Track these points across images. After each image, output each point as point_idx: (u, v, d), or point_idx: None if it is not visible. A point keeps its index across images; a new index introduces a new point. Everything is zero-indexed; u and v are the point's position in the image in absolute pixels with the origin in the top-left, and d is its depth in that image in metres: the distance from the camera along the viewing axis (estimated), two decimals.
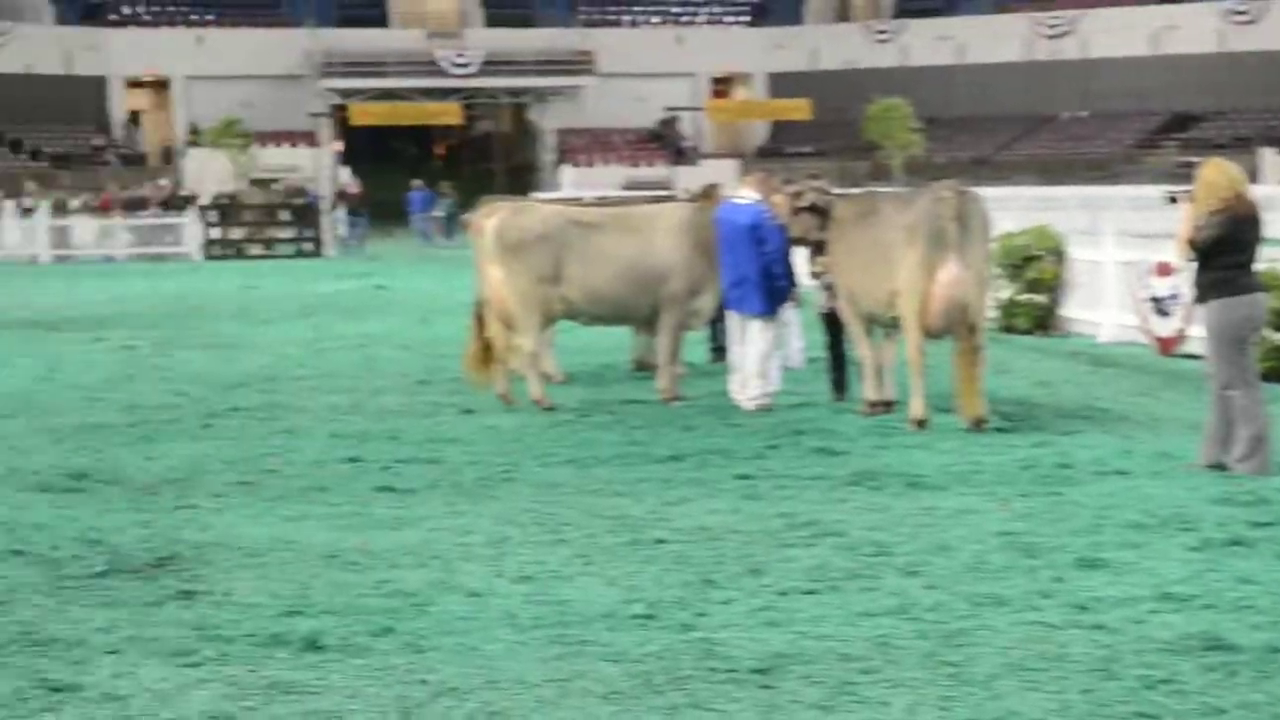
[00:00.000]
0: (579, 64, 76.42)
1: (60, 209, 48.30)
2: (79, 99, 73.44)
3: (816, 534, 9.81)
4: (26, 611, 8.36)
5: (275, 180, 59.30)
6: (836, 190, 15.86)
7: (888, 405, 14.27)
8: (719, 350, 17.44)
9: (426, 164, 77.31)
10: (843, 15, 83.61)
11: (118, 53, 74.31)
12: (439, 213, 52.83)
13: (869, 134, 68.19)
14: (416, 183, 54.75)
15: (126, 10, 76.81)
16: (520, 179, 71.77)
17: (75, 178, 64.01)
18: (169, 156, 73.78)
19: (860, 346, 14.50)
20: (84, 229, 47.88)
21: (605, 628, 7.98)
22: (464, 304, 18.48)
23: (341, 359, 20.02)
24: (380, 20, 79.50)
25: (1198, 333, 14.83)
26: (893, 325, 14.06)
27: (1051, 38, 75.71)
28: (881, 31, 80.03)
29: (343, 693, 7.05)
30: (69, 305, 29.64)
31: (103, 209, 49.20)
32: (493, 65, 75.87)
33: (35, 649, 7.68)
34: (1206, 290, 11.34)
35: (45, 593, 8.75)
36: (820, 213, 14.74)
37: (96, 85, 74.50)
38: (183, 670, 7.36)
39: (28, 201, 48.25)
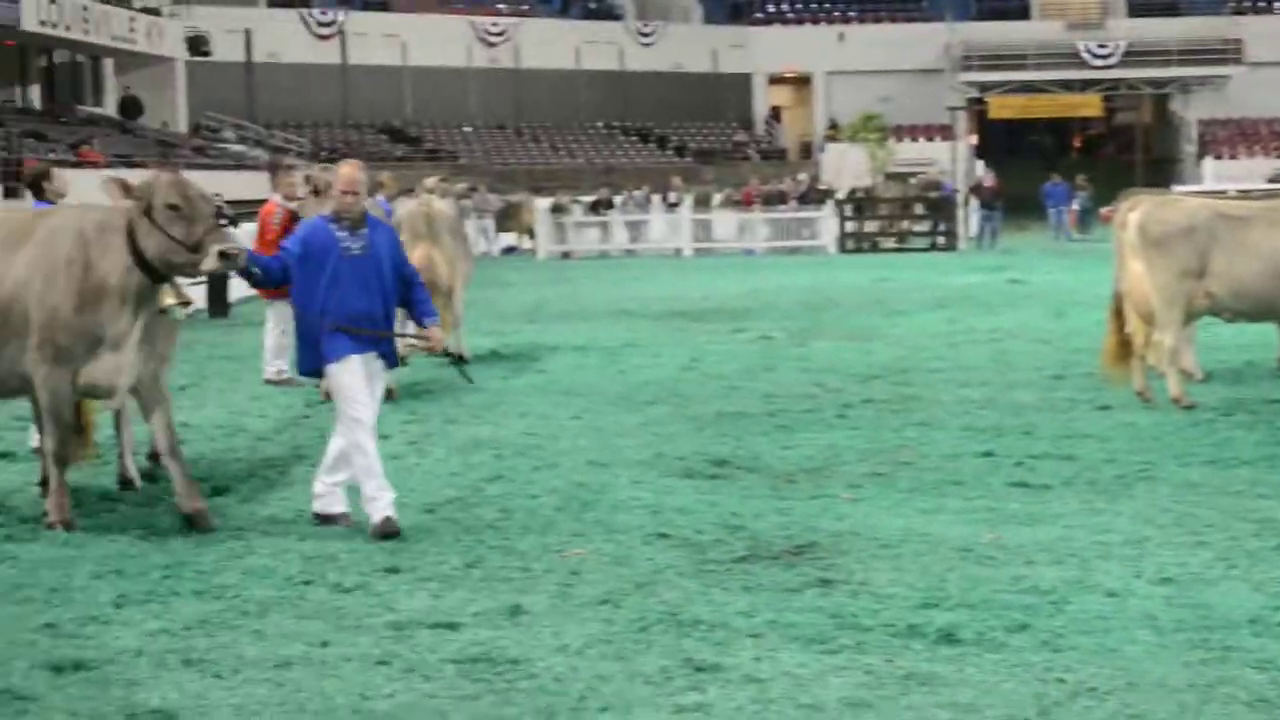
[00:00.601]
0: (1226, 52, 73.69)
1: (703, 203, 49.79)
2: (723, 96, 75.71)
3: None
4: (671, 593, 8.68)
5: (911, 174, 59.51)
6: None
7: None
8: None
9: (1063, 157, 76.13)
10: None
11: (762, 50, 76.14)
12: (1075, 205, 51.97)
13: None
14: (1054, 176, 54.02)
15: (771, 9, 78.57)
16: (1159, 171, 69.82)
17: (717, 173, 66.01)
18: (808, 151, 75.15)
19: None
20: (725, 223, 49.24)
21: (1251, 634, 7.71)
22: (1100, 298, 18.14)
23: (975, 352, 19.94)
24: (1021, 12, 78.74)
25: None
26: None
27: None
28: None
29: (979, 687, 7.03)
30: (710, 297, 30.52)
31: (744, 203, 50.48)
32: (1135, 55, 73.99)
33: (680, 629, 7.96)
34: None
35: (689, 575, 9.06)
36: None
37: (741, 82, 76.58)
38: (820, 657, 7.48)
39: (673, 196, 49.98)
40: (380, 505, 10.12)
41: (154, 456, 12.71)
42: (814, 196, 50.01)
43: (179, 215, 10.10)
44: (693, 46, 75.30)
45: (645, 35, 74.73)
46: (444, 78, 70.22)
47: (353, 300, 10.17)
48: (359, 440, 10.16)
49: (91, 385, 10.51)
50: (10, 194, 37.65)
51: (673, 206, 49.33)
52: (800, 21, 78.36)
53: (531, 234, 48.51)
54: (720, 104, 75.54)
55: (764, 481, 11.89)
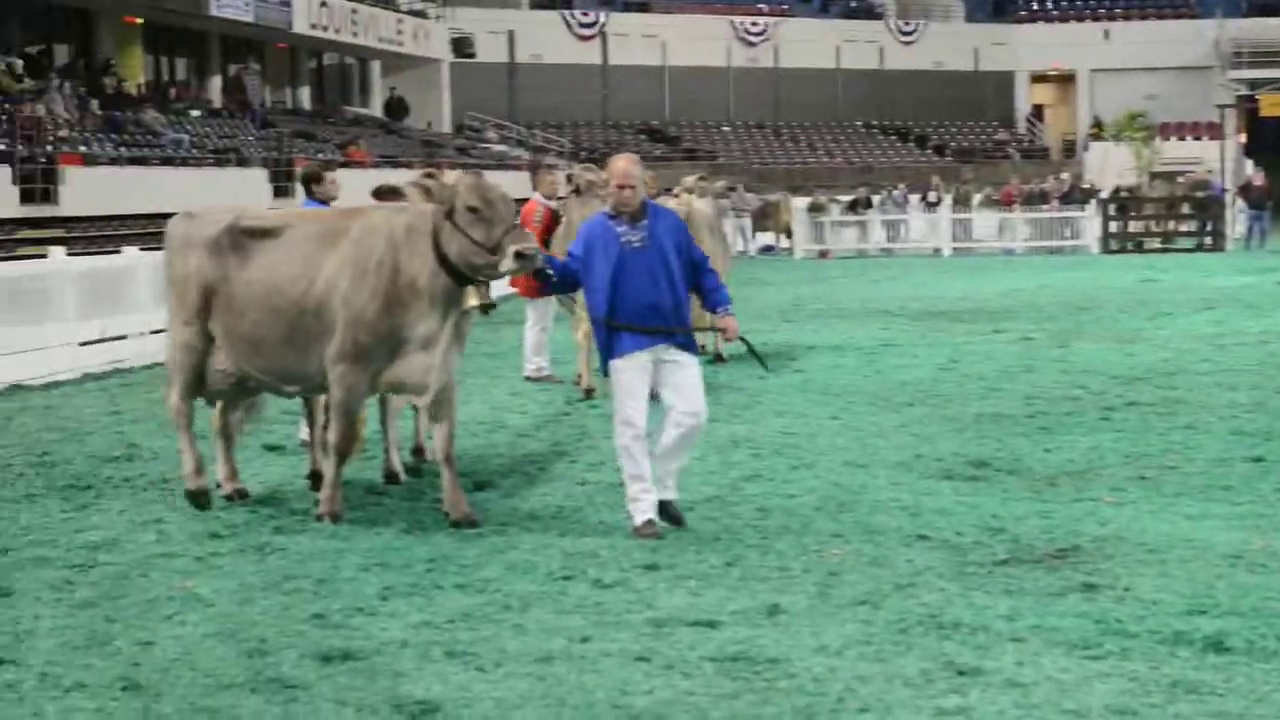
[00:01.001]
0: None
1: (962, 203, 49.35)
2: (984, 94, 74.93)
3: None
4: (931, 595, 8.59)
5: (1177, 174, 58.25)
6: None
7: None
8: None
9: None
10: None
11: (1024, 48, 75.23)
12: None
13: None
14: None
15: (1035, 6, 77.53)
16: None
17: (977, 171, 65.36)
18: (1070, 150, 74.02)
19: None
20: (985, 222, 48.73)
21: None
22: None
23: (1243, 355, 19.45)
24: None
25: None
26: None
27: None
28: None
29: (1248, 696, 6.84)
30: (969, 297, 30.24)
31: (1004, 203, 49.89)
32: None
33: (940, 632, 7.88)
34: None
35: (949, 578, 8.96)
36: None
37: (1003, 80, 75.70)
38: (1084, 663, 7.35)
39: (932, 195, 49.60)
40: (641, 507, 10.11)
41: (417, 452, 12.97)
42: (1077, 196, 49.21)
43: (479, 218, 10.17)
44: (954, 44, 74.71)
45: (906, 34, 74.31)
46: (703, 77, 70.56)
47: (640, 294, 10.01)
48: (625, 443, 10.11)
49: (401, 383, 10.63)
50: (280, 193, 38.67)
51: (931, 206, 48.94)
52: (1065, 19, 77.21)
53: (789, 233, 48.48)
54: (981, 102, 74.81)
55: (1025, 484, 11.73)
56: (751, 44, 71.83)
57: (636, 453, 10.09)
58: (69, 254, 22.60)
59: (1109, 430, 14.01)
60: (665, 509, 10.26)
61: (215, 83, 50.24)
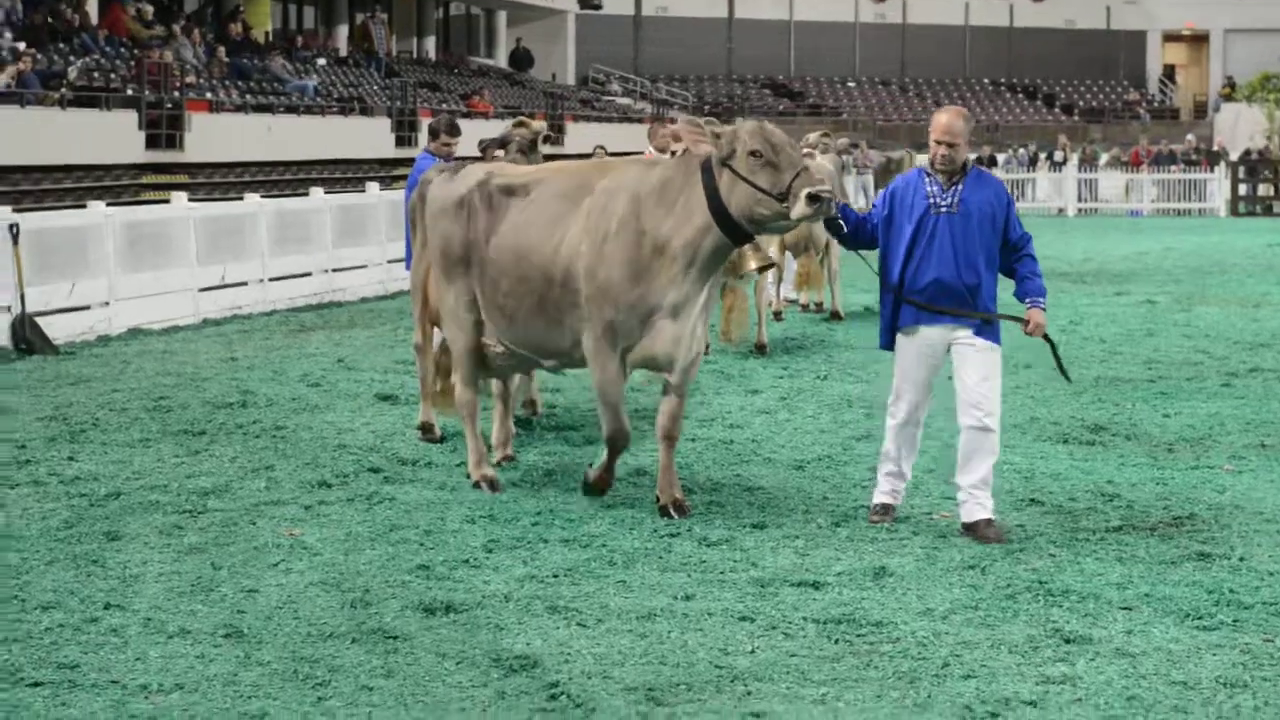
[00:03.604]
0: None
1: (1089, 163, 48.74)
2: (1115, 54, 73.90)
3: None
4: (1041, 561, 8.47)
5: None
6: None
7: None
8: None
9: None
10: None
11: (1157, 6, 74.05)
12: None
13: None
14: None
15: None
16: None
17: (1106, 131, 64.53)
18: (1202, 111, 72.86)
19: None
20: (1111, 183, 48.11)
21: None
22: None
23: None
24: None
25: None
26: None
27: None
28: None
29: None
30: (1092, 258, 29.89)
31: (1132, 163, 49.22)
32: None
33: (1049, 599, 7.76)
34: None
35: (1060, 543, 8.83)
36: None
37: (1134, 40, 74.59)
38: (1196, 633, 7.22)
39: (1059, 155, 49.01)
40: (878, 490, 9.44)
41: (529, 404, 12.93)
42: (1207, 158, 48.43)
43: (764, 162, 9.06)
44: (1085, 2, 73.61)
45: None
46: (830, 32, 70.10)
47: (931, 266, 8.97)
48: (890, 425, 9.26)
49: (651, 358, 9.58)
50: (402, 142, 38.80)
51: (1058, 165, 48.35)
52: None
53: None
54: (1111, 62, 73.81)
55: (1142, 449, 11.55)
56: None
57: (900, 436, 9.25)
58: (191, 200, 22.77)
59: (1230, 397, 13.77)
60: (972, 530, 9.02)
61: (342, 31, 50.43)
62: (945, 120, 9.00)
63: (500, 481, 10.38)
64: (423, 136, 31.67)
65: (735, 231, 9.31)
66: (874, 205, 9.33)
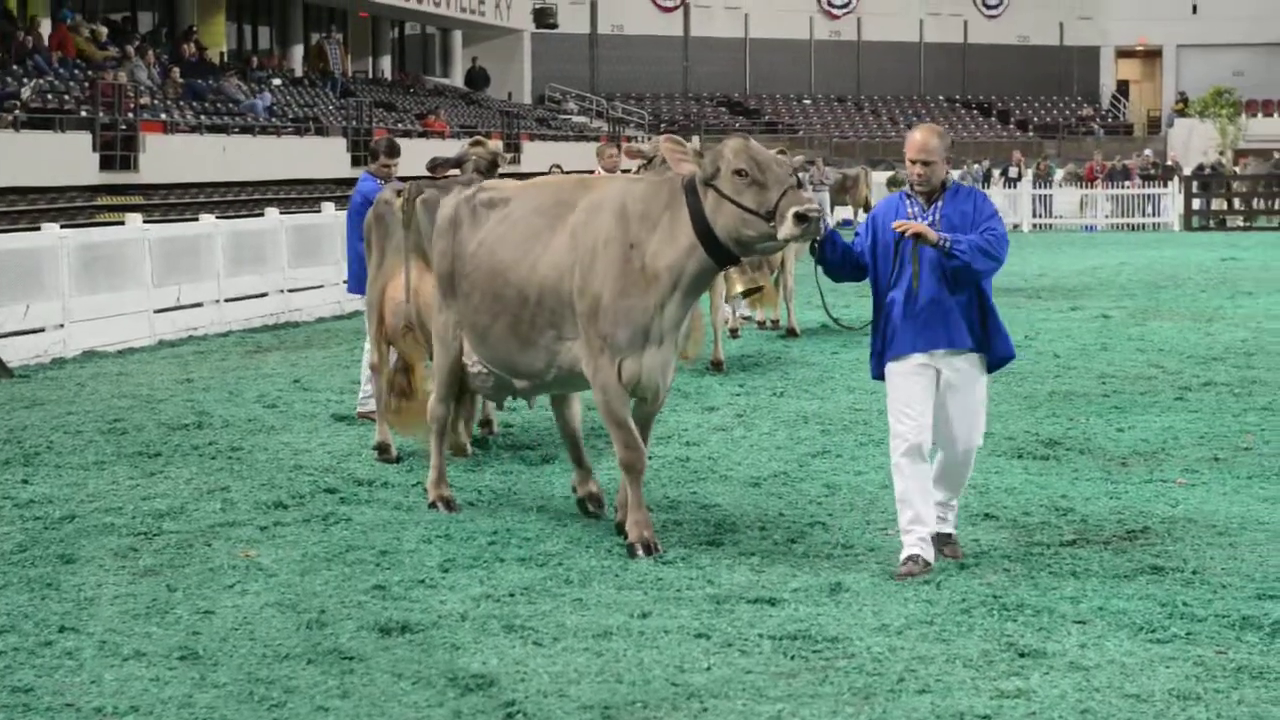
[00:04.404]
0: None
1: (1044, 178, 48.97)
2: (1068, 70, 74.28)
3: None
4: (995, 575, 8.50)
5: (1266, 152, 57.51)
6: None
7: None
8: None
9: None
10: None
11: (1110, 22, 74.46)
12: None
13: None
14: None
15: None
16: None
17: (1060, 147, 64.84)
18: (1155, 127, 73.29)
19: None
20: (1066, 198, 48.35)
21: None
22: None
23: None
24: None
25: None
26: None
27: None
28: None
29: None
30: (1047, 273, 30.04)
31: (1086, 179, 49.47)
32: None
33: (1004, 613, 7.79)
34: None
35: (1014, 558, 8.87)
36: None
37: (1087, 55, 75.00)
38: (1149, 646, 7.26)
39: (1013, 171, 49.24)
40: (910, 540, 8.67)
41: (485, 424, 12.95)
42: (1159, 173, 48.74)
43: (750, 181, 8.73)
44: (1039, 19, 74.02)
45: (990, 7, 73.72)
46: (785, 50, 70.29)
47: (923, 287, 8.68)
48: (896, 460, 8.72)
49: (636, 382, 9.19)
50: (358, 162, 38.80)
51: (1012, 181, 48.57)
52: None
53: (867, 207, 48.19)
54: (1065, 77, 74.21)
55: (1095, 464, 11.61)
56: (834, 17, 71.43)
57: (909, 472, 8.67)
58: (146, 221, 22.71)
59: (1183, 411, 13.85)
60: (943, 542, 8.91)
61: (297, 51, 50.41)
62: (920, 138, 8.77)
63: (457, 501, 10.34)
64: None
65: (721, 253, 9.01)
66: (856, 234, 9.04)
